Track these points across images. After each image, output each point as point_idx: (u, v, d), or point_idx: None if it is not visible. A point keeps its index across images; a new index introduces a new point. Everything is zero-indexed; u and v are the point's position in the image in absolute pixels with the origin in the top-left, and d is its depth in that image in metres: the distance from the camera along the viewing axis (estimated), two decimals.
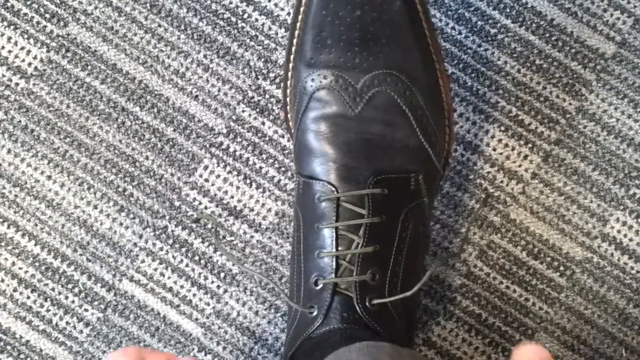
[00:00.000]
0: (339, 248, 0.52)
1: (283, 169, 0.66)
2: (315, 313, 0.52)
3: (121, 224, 0.66)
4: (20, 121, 0.67)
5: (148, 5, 0.67)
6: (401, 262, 0.53)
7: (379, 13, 0.52)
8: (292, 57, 0.56)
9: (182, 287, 0.66)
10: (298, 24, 0.54)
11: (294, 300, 0.55)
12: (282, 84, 0.66)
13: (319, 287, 0.52)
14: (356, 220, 0.52)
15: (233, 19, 0.67)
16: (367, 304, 0.51)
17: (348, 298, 0.51)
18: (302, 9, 0.54)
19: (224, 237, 0.66)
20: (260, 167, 0.66)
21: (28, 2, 0.67)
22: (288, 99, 0.58)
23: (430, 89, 0.55)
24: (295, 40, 0.55)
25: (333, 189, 0.53)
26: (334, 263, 0.52)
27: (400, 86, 0.53)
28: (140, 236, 0.66)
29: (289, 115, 0.59)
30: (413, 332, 0.58)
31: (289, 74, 0.56)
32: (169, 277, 0.66)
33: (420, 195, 0.55)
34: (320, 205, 0.53)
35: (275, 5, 0.67)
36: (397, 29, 0.53)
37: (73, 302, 0.67)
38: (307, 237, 0.54)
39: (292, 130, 0.57)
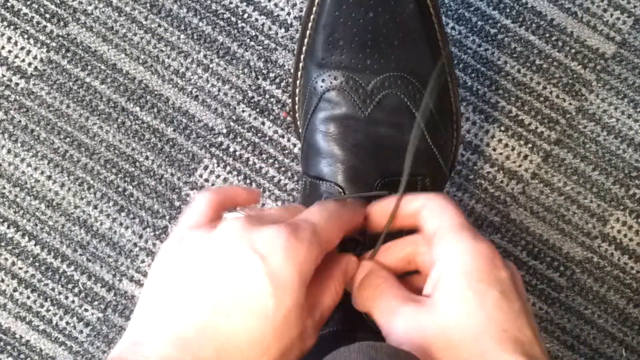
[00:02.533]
0: (345, 250, 0.52)
1: (283, 169, 0.66)
2: None
3: (121, 224, 0.66)
4: (20, 121, 0.67)
5: (148, 5, 0.67)
6: None
7: (392, 15, 0.52)
8: (302, 57, 0.55)
9: None
10: (310, 24, 0.54)
11: None
12: (290, 83, 0.66)
13: None
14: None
15: (233, 19, 0.67)
16: None
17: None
18: (314, 9, 0.54)
19: None
20: (260, 167, 0.66)
21: (28, 2, 0.67)
22: (297, 99, 0.58)
23: (440, 92, 0.55)
24: (306, 40, 0.55)
25: (340, 190, 0.53)
26: None
27: (411, 89, 0.53)
28: (140, 236, 0.66)
29: (297, 115, 0.59)
30: None
31: (299, 73, 0.56)
32: None
33: None
34: None
35: (275, 5, 0.67)
36: (410, 32, 0.53)
37: (73, 302, 0.67)
38: None
39: (300, 130, 0.57)
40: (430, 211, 0.43)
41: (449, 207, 0.43)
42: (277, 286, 0.37)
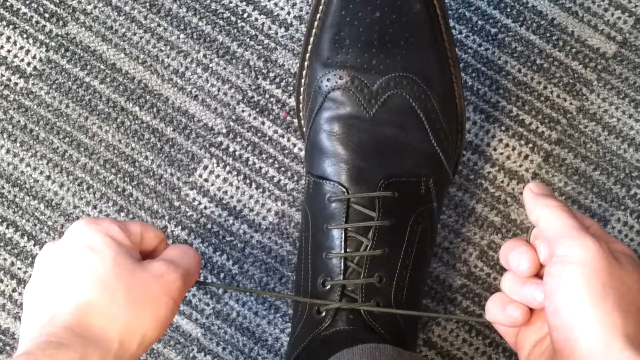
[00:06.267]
0: (347, 250, 0.52)
1: (283, 169, 0.66)
2: (323, 314, 0.52)
3: None
4: (19, 121, 0.67)
5: (147, 4, 0.67)
6: (408, 265, 0.53)
7: (399, 15, 0.52)
8: (307, 55, 0.55)
9: None
10: (316, 23, 0.54)
11: (300, 302, 0.55)
12: (291, 82, 0.65)
13: (326, 289, 0.52)
14: (366, 223, 0.52)
15: (233, 18, 0.67)
16: None
17: (355, 300, 0.51)
18: (320, 7, 0.54)
19: (223, 237, 0.65)
20: (260, 167, 0.66)
21: (27, 2, 0.67)
22: (301, 98, 0.57)
23: (445, 93, 0.55)
24: (311, 39, 0.55)
25: (344, 189, 0.52)
26: (342, 264, 0.52)
27: (416, 89, 0.53)
28: None
29: (301, 114, 0.59)
30: (416, 334, 0.58)
31: (304, 72, 0.56)
32: None
33: (430, 200, 0.54)
34: (330, 206, 0.53)
35: (275, 4, 0.67)
36: (416, 32, 0.53)
37: None
38: (316, 237, 0.54)
39: (305, 129, 0.57)
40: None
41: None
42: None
